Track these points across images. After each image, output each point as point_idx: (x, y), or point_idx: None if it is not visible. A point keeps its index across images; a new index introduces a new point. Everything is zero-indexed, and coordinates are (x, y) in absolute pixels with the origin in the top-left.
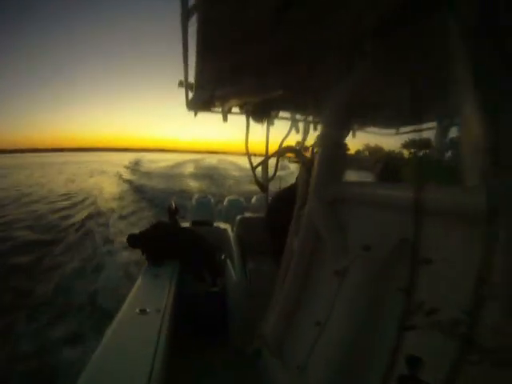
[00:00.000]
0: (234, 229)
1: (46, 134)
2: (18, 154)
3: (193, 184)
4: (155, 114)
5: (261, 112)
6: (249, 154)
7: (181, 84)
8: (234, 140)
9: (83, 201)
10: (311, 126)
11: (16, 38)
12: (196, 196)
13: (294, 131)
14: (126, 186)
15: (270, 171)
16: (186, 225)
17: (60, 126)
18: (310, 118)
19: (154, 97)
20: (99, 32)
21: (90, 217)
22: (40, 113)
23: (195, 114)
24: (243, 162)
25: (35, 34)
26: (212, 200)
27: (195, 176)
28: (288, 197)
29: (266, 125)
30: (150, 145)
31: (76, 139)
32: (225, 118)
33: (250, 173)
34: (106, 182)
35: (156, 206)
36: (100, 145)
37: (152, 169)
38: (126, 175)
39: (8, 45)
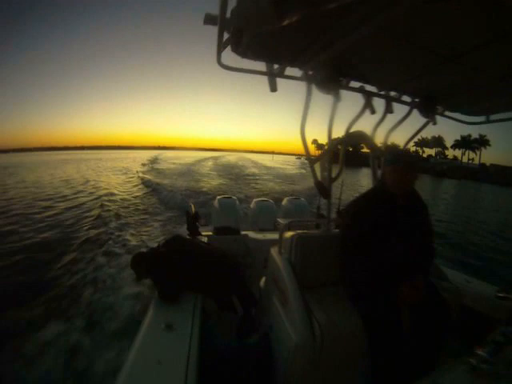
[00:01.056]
0: (282, 249)
1: (64, 133)
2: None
3: (213, 182)
4: (174, 111)
5: (331, 75)
6: (305, 142)
7: (210, 19)
8: (252, 139)
9: None
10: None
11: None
12: (219, 197)
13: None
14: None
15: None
16: (207, 233)
17: (76, 124)
18: (394, 94)
19: (171, 95)
20: (119, 29)
21: None
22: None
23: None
24: (258, 158)
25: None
26: (237, 202)
27: (215, 174)
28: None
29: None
30: (168, 143)
31: (93, 138)
32: (273, 86)
33: (272, 170)
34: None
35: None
36: (120, 143)
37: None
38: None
39: (37, 45)
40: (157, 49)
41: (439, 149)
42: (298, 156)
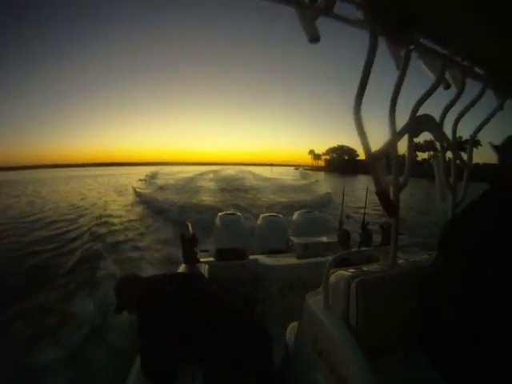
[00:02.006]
0: (331, 300)
1: (60, 151)
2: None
3: (213, 197)
4: (172, 126)
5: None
6: (361, 126)
7: None
8: (249, 150)
9: None
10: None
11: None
12: (221, 214)
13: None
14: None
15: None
16: (207, 259)
17: (74, 142)
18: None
19: (170, 110)
20: (121, 45)
21: None
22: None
23: None
24: (258, 170)
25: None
26: (242, 218)
27: (216, 190)
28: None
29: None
30: (168, 158)
31: (93, 155)
32: (313, 31)
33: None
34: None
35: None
36: (117, 159)
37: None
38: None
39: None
40: (155, 61)
41: (432, 152)
42: (296, 167)
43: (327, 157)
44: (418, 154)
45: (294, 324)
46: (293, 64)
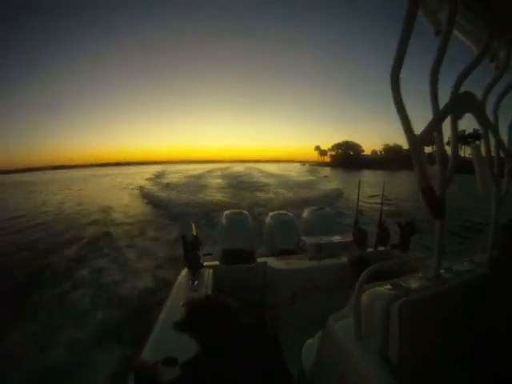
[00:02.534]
0: (364, 327)
1: (67, 151)
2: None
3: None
4: (178, 125)
5: None
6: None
7: None
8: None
9: None
10: None
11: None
12: (226, 212)
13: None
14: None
15: None
16: (212, 263)
17: (82, 142)
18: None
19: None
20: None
21: None
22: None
23: None
24: (266, 167)
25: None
26: (249, 217)
27: (224, 187)
28: None
29: None
30: (176, 156)
31: (102, 155)
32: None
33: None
34: None
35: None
36: (123, 159)
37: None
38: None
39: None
40: (163, 59)
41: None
42: (303, 163)
43: (333, 152)
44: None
45: (312, 342)
46: (299, 61)
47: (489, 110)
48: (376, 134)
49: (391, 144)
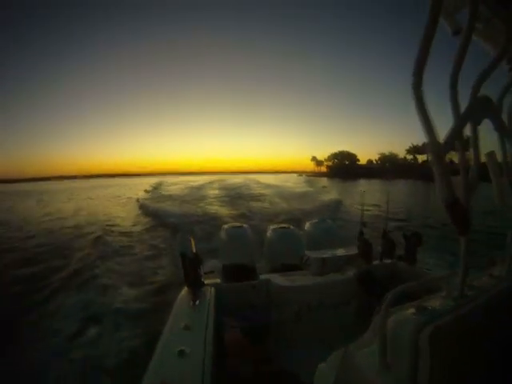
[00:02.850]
0: (389, 356)
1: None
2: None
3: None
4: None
5: None
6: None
7: None
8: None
9: None
10: None
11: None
12: (226, 226)
13: None
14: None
15: None
16: (214, 281)
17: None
18: None
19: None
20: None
21: None
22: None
23: None
24: (263, 178)
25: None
26: (250, 231)
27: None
28: None
29: None
30: (172, 168)
31: (94, 166)
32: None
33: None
34: None
35: None
36: (118, 171)
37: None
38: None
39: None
40: (159, 69)
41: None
42: (300, 173)
43: (329, 163)
44: (419, 156)
45: (325, 368)
46: (296, 73)
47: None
48: (371, 143)
49: (387, 153)
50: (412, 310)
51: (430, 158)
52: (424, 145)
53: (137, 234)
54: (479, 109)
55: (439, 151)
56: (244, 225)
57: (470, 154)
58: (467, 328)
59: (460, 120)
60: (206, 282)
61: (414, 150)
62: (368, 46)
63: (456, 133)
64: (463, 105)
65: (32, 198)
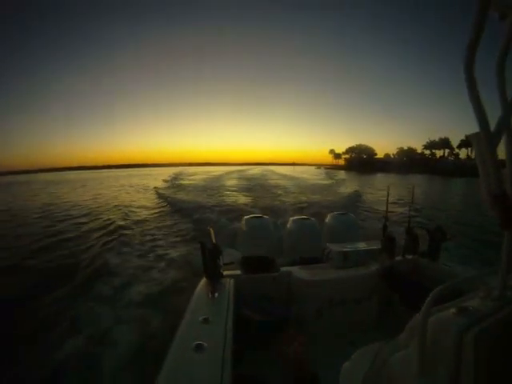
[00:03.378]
0: (427, 362)
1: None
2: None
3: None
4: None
5: None
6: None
7: None
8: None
9: None
10: None
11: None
12: (246, 217)
13: None
14: None
15: None
16: (233, 273)
17: (98, 143)
18: None
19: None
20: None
21: None
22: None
23: None
24: (281, 170)
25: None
26: (270, 221)
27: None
28: None
29: None
30: (191, 159)
31: (118, 156)
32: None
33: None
34: None
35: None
36: (142, 161)
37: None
38: None
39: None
40: (180, 62)
41: (447, 150)
42: (318, 166)
43: (347, 156)
44: (435, 151)
45: (350, 368)
46: (313, 63)
47: None
48: (390, 137)
49: (405, 147)
50: (453, 311)
51: (477, 148)
52: (472, 134)
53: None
54: None
55: (491, 141)
56: (265, 216)
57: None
58: (510, 331)
59: (507, 109)
60: (225, 273)
61: (431, 145)
62: (387, 36)
63: (505, 122)
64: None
65: (68, 185)
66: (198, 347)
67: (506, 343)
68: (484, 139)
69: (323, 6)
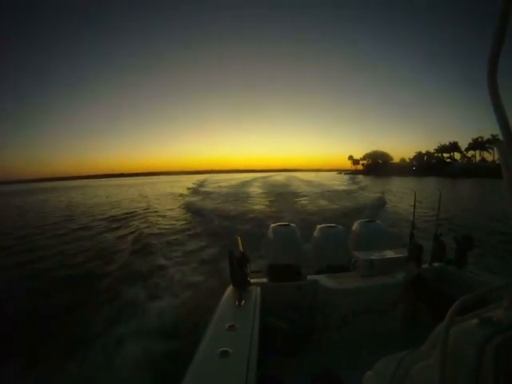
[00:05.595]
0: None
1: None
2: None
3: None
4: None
5: None
6: None
7: None
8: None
9: None
10: None
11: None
12: (273, 225)
13: None
14: None
15: None
16: (260, 281)
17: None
18: None
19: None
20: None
21: None
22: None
23: None
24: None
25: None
26: (298, 230)
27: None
28: None
29: None
30: (216, 166)
31: (139, 164)
32: None
33: None
34: None
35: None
36: (167, 169)
37: None
38: None
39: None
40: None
41: (457, 153)
42: (339, 171)
43: (365, 161)
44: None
45: (372, 377)
46: (330, 71)
47: None
48: (406, 142)
49: (423, 151)
50: (475, 321)
51: (502, 157)
52: (496, 143)
53: None
54: None
55: None
56: (291, 224)
57: None
58: None
59: None
60: (252, 281)
61: (442, 149)
62: (407, 45)
63: None
64: None
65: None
66: (224, 353)
67: None
68: (507, 148)
69: (336, 3)
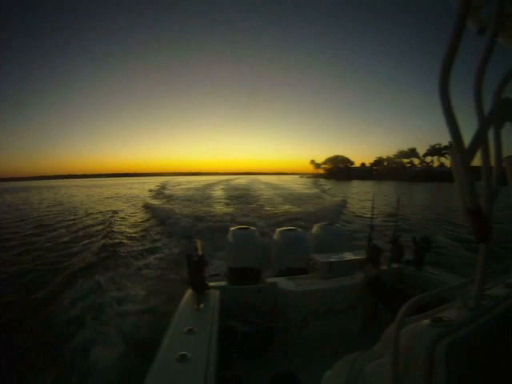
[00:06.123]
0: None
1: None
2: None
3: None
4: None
5: None
6: None
7: None
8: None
9: None
10: None
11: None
12: (232, 228)
13: None
14: None
15: None
16: (219, 284)
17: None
18: None
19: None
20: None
21: None
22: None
23: None
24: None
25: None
26: (257, 233)
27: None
28: None
29: None
30: (177, 168)
31: (106, 165)
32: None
33: None
34: None
35: None
36: (127, 170)
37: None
38: None
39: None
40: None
41: (415, 158)
42: (301, 175)
43: (326, 165)
44: (404, 160)
45: (330, 377)
46: (295, 74)
47: None
48: (365, 147)
49: (384, 156)
50: (427, 322)
51: (453, 163)
52: (448, 148)
53: None
54: (502, 112)
55: (465, 156)
56: (251, 227)
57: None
58: (486, 341)
59: (484, 124)
60: (211, 284)
61: (402, 154)
62: (366, 48)
63: (481, 137)
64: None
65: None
66: (182, 357)
67: (479, 353)
68: (457, 154)
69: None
